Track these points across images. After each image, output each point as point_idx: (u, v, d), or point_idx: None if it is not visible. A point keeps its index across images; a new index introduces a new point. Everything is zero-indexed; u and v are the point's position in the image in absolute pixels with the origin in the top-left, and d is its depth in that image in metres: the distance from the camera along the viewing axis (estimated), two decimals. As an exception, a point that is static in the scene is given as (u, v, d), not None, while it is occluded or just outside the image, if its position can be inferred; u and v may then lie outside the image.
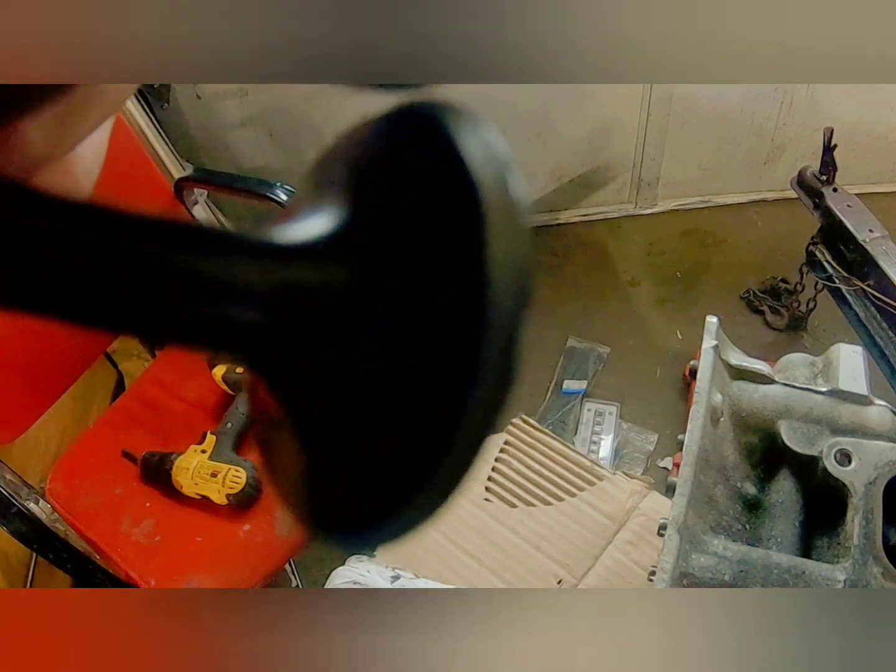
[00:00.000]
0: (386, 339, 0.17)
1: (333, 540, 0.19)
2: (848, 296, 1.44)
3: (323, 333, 0.17)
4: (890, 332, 1.33)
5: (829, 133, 1.43)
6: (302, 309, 0.17)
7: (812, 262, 1.59)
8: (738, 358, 0.95)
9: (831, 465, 0.81)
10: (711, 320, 0.94)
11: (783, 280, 1.93)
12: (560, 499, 1.22)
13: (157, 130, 1.51)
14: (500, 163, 0.17)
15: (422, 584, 1.05)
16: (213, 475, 1.10)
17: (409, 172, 0.18)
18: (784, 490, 0.89)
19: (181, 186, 1.37)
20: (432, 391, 0.17)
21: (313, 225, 0.18)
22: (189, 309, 0.16)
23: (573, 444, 1.48)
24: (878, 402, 0.89)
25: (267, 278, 0.17)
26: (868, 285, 1.37)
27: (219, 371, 1.21)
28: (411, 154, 0.18)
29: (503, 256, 0.16)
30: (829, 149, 1.45)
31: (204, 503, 1.12)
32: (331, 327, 0.17)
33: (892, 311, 1.30)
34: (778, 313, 1.90)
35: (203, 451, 1.14)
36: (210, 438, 1.16)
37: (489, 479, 1.25)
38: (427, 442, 0.17)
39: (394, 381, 0.17)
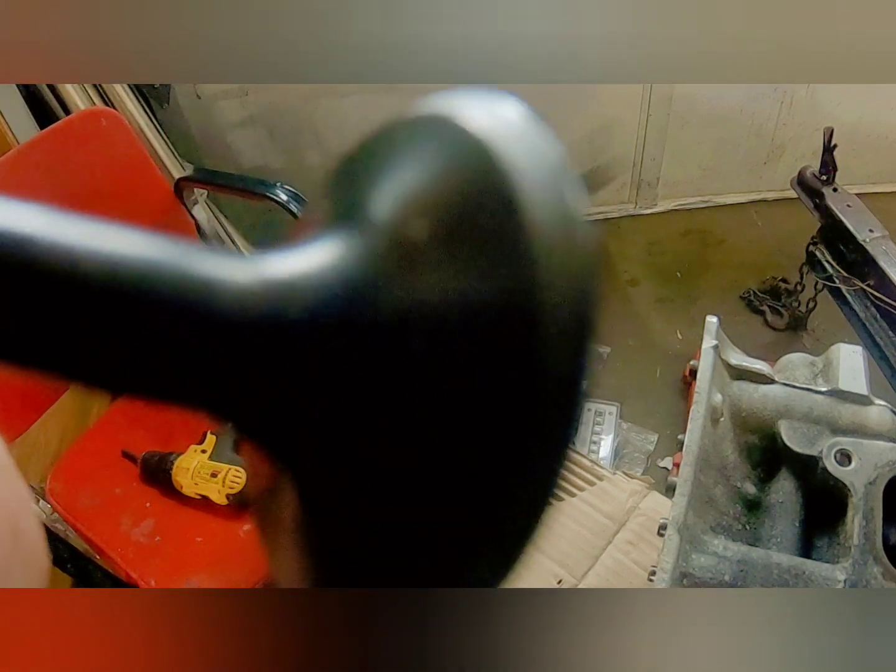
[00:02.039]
0: (416, 398, 0.15)
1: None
2: (848, 296, 1.44)
3: (328, 382, 0.15)
4: (890, 332, 1.33)
5: (829, 133, 1.43)
6: (281, 348, 0.14)
7: (812, 262, 1.59)
8: (738, 358, 0.95)
9: (831, 465, 0.81)
10: (711, 320, 0.94)
11: (783, 280, 1.93)
12: (560, 499, 1.22)
13: (157, 130, 1.51)
14: (562, 189, 0.15)
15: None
16: (214, 475, 1.10)
17: (457, 209, 0.15)
18: (784, 490, 0.89)
19: (181, 186, 1.36)
20: (476, 463, 0.14)
21: (318, 253, 0.16)
22: (164, 355, 0.14)
23: (573, 444, 1.48)
24: (878, 402, 0.89)
25: (236, 314, 0.14)
26: (868, 285, 1.37)
27: (219, 371, 1.21)
28: (461, 188, 0.16)
29: (563, 330, 0.14)
30: (829, 149, 1.45)
31: (204, 503, 1.12)
32: (339, 376, 0.15)
33: (892, 311, 1.30)
34: (778, 313, 1.90)
35: (203, 451, 1.14)
36: (210, 438, 1.16)
37: (489, 479, 1.25)
38: (472, 527, 0.14)
39: (424, 448, 0.15)
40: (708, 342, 0.92)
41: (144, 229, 0.15)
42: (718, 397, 0.89)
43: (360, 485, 0.15)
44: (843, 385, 0.90)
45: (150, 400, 0.15)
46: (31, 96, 1.41)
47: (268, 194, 1.27)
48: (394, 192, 0.17)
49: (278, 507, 0.18)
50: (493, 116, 0.16)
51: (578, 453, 1.29)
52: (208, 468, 1.11)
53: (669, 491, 0.83)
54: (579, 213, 0.15)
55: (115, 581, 1.12)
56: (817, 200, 1.52)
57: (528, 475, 0.14)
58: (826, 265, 1.51)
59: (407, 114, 0.18)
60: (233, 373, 0.15)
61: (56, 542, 1.10)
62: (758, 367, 0.94)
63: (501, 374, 0.14)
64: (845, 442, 0.83)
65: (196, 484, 1.11)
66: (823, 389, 0.90)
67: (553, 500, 0.15)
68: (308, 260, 0.16)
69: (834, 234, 1.48)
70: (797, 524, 0.86)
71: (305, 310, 0.15)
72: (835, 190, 1.49)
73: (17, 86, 1.37)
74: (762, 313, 1.93)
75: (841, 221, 1.43)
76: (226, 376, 0.15)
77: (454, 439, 0.14)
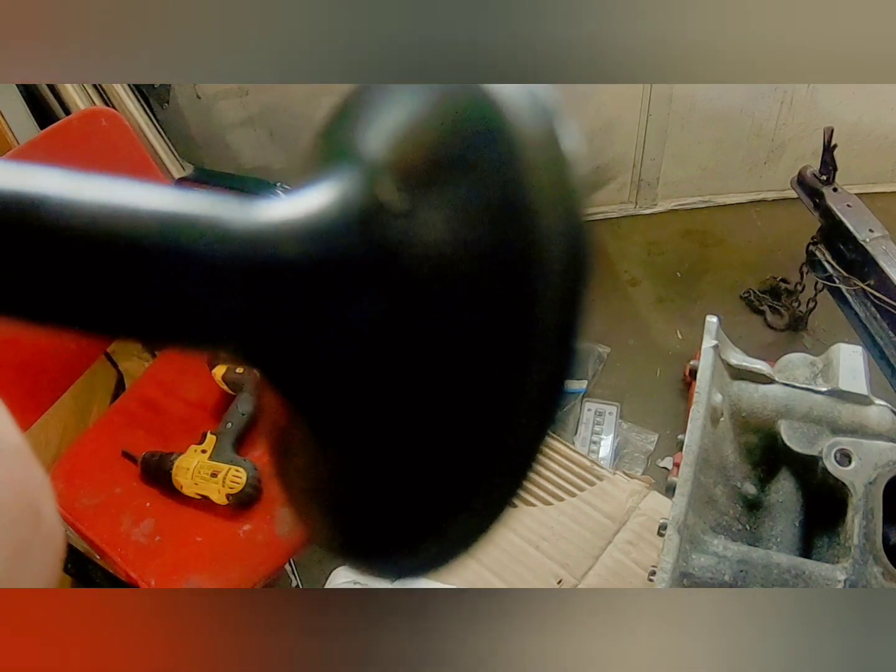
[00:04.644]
0: (418, 333, 0.15)
1: (355, 564, 0.17)
2: (848, 296, 1.44)
3: (334, 321, 0.15)
4: (890, 332, 1.33)
5: (829, 133, 1.43)
6: (300, 292, 0.15)
7: (812, 262, 1.59)
8: (738, 358, 0.95)
9: (831, 465, 0.81)
10: (711, 320, 0.94)
11: (783, 280, 1.93)
12: (560, 499, 1.22)
13: (157, 130, 1.51)
14: (550, 119, 0.15)
15: (422, 583, 1.05)
16: (214, 475, 1.10)
17: (453, 144, 0.16)
18: (784, 490, 0.89)
19: (181, 187, 1.36)
20: (476, 397, 0.14)
21: (327, 191, 0.16)
22: (174, 301, 0.15)
23: (573, 444, 1.48)
24: (878, 402, 0.89)
25: (243, 257, 0.15)
26: (868, 285, 1.37)
27: (219, 371, 1.21)
28: (456, 124, 0.16)
29: (559, 255, 0.14)
30: (829, 149, 1.45)
31: (204, 503, 1.12)
32: (344, 313, 0.15)
33: (892, 311, 1.30)
34: (778, 313, 1.90)
35: (203, 451, 1.14)
36: (210, 438, 1.15)
37: (489, 479, 1.25)
38: (473, 456, 0.15)
39: (426, 381, 0.15)
40: (708, 342, 0.92)
41: (140, 181, 0.15)
42: (718, 397, 0.89)
43: (363, 415, 0.16)
44: (843, 385, 0.90)
45: (163, 344, 0.16)
46: (31, 96, 1.41)
47: (268, 194, 1.27)
48: (387, 131, 0.17)
49: (292, 446, 0.18)
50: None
51: (578, 453, 1.29)
52: (208, 468, 1.11)
53: (669, 491, 0.83)
54: (572, 157, 0.15)
55: (115, 581, 1.12)
56: (817, 200, 1.52)
57: (526, 413, 0.14)
58: (826, 265, 1.51)
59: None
60: (240, 312, 0.15)
61: (56, 542, 1.09)
62: (758, 367, 0.94)
63: (499, 313, 0.14)
64: (845, 442, 0.83)
65: (196, 484, 1.11)
66: (823, 389, 0.90)
67: (548, 441, 0.15)
68: (307, 203, 0.16)
69: (834, 234, 1.48)
70: (797, 524, 0.86)
71: (304, 250, 0.15)
72: (835, 190, 1.49)
73: (17, 86, 1.37)
74: (762, 313, 1.93)
75: (841, 221, 1.43)
76: (235, 316, 0.15)
77: (452, 375, 0.15)
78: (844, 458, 0.82)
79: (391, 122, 0.17)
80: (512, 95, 0.15)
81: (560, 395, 0.14)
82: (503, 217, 0.14)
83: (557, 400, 0.14)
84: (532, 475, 0.15)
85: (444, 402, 0.15)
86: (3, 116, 1.34)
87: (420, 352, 0.15)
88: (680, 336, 1.91)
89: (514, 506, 0.15)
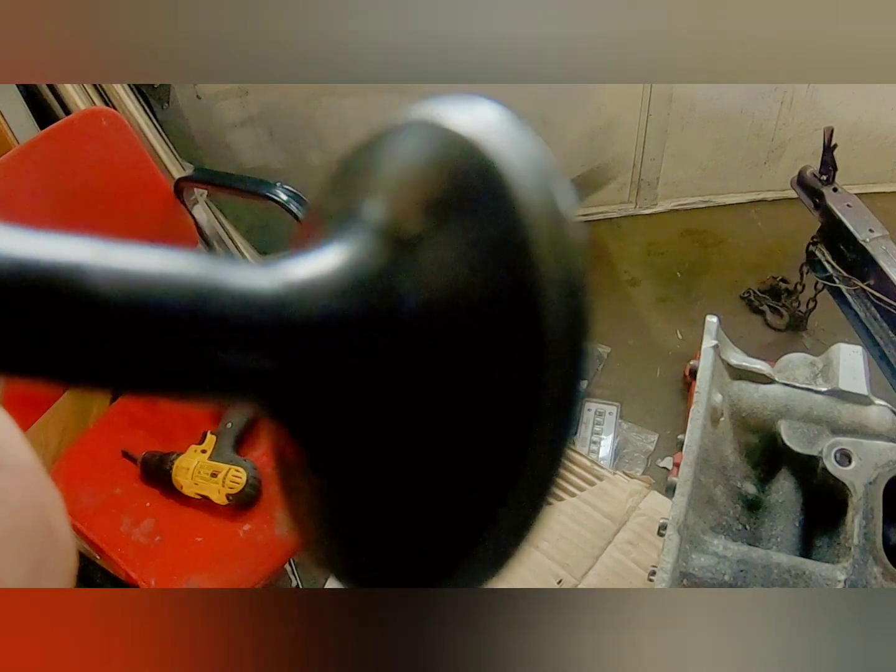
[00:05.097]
0: (425, 385, 0.16)
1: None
2: (848, 296, 1.44)
3: (346, 374, 0.16)
4: (890, 332, 1.33)
5: (829, 133, 1.43)
6: (315, 349, 0.16)
7: (812, 262, 1.59)
8: (738, 358, 0.95)
9: (831, 465, 0.81)
10: (711, 320, 0.94)
11: (783, 280, 1.93)
12: (560, 499, 1.22)
13: (157, 130, 1.51)
14: (548, 186, 0.16)
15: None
16: (214, 475, 1.10)
17: (447, 202, 0.16)
18: (784, 490, 0.89)
19: (181, 186, 1.36)
20: (484, 444, 0.15)
21: (331, 255, 0.17)
22: (194, 361, 0.16)
23: (573, 444, 1.48)
24: (878, 402, 0.89)
25: (275, 318, 0.16)
26: (868, 285, 1.37)
27: (219, 371, 1.21)
28: (449, 182, 0.17)
29: (559, 301, 0.14)
30: (829, 149, 1.45)
31: (204, 503, 1.12)
32: (354, 368, 0.16)
33: (892, 311, 1.30)
34: (778, 313, 1.90)
35: (203, 451, 1.14)
36: (210, 438, 1.16)
37: (489, 479, 1.25)
38: (483, 499, 0.15)
39: (434, 430, 0.16)
40: (708, 342, 0.92)
41: (162, 246, 0.16)
42: (718, 397, 0.89)
43: (381, 459, 0.17)
44: (843, 385, 0.90)
45: (190, 402, 0.17)
46: (31, 96, 1.41)
47: (268, 194, 1.27)
48: (387, 191, 0.18)
49: (302, 487, 0.19)
50: (474, 116, 0.17)
51: (578, 453, 1.29)
52: (208, 468, 1.11)
53: (669, 491, 0.83)
54: (565, 202, 0.16)
55: (115, 581, 1.12)
56: (817, 200, 1.52)
57: (531, 464, 0.15)
58: (826, 265, 1.51)
59: (394, 120, 0.19)
60: (260, 370, 0.16)
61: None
62: (758, 367, 0.94)
63: (504, 365, 0.15)
64: (845, 442, 0.83)
65: (196, 484, 1.11)
66: (823, 389, 0.90)
67: (553, 495, 0.16)
68: (319, 264, 0.17)
69: (834, 234, 1.48)
70: (797, 524, 0.86)
71: (326, 309, 0.16)
72: (835, 190, 1.49)
73: (17, 86, 1.37)
74: (762, 313, 1.93)
75: (841, 221, 1.43)
76: (254, 374, 0.16)
77: (460, 423, 0.15)
78: (844, 458, 0.82)
79: (389, 182, 0.18)
80: (509, 153, 0.16)
81: (565, 443, 0.15)
82: (503, 268, 0.15)
83: (563, 448, 0.15)
84: (541, 519, 0.16)
85: (457, 440, 0.16)
86: (3, 116, 1.34)
87: (433, 394, 0.16)
88: (680, 336, 1.91)
89: (527, 544, 0.16)
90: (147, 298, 0.15)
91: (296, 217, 1.24)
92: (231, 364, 0.16)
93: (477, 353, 0.15)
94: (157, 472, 1.15)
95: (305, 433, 0.18)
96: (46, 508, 0.17)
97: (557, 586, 1.12)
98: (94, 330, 0.15)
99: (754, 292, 1.95)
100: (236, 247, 1.68)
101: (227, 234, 1.66)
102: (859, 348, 0.96)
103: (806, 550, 0.85)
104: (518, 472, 0.15)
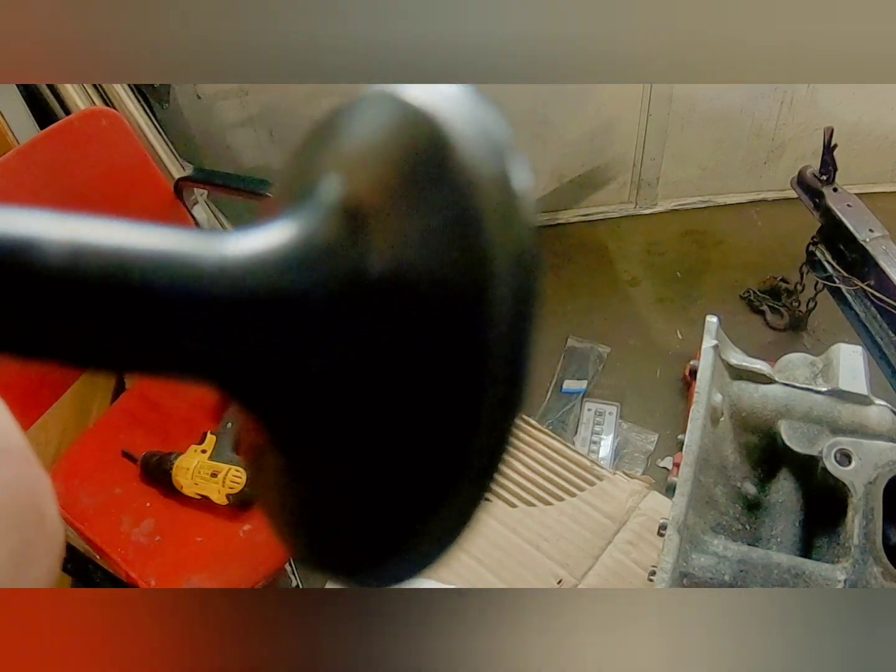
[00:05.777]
0: (374, 357, 0.16)
1: (339, 579, 0.18)
2: (848, 296, 1.44)
3: (294, 349, 0.16)
4: (890, 332, 1.33)
5: (829, 133, 1.43)
6: (260, 323, 0.16)
7: (812, 262, 1.59)
8: (738, 358, 0.95)
9: (831, 465, 0.81)
10: (711, 320, 0.94)
11: (783, 280, 1.93)
12: (560, 499, 1.22)
13: (157, 130, 1.51)
14: (502, 158, 0.16)
15: (422, 583, 1.05)
16: (214, 475, 1.10)
17: (400, 175, 0.17)
18: (784, 490, 0.89)
19: (181, 186, 1.36)
20: (435, 413, 0.15)
21: (282, 230, 0.17)
22: (147, 337, 0.16)
23: (573, 444, 1.48)
24: (878, 402, 0.89)
25: (213, 293, 0.16)
26: (868, 285, 1.37)
27: (219, 371, 1.21)
28: (402, 155, 0.17)
29: (506, 266, 0.15)
30: (829, 149, 1.45)
31: (204, 503, 1.12)
32: (301, 343, 0.16)
33: (892, 311, 1.30)
34: (778, 313, 1.90)
35: (203, 451, 1.14)
36: (210, 438, 1.15)
37: (489, 479, 1.25)
38: (435, 472, 0.15)
39: (386, 402, 0.16)
40: (708, 342, 0.92)
41: (109, 216, 0.16)
42: (718, 397, 0.89)
43: (332, 432, 0.17)
44: (843, 385, 0.90)
45: (139, 376, 0.17)
46: (31, 96, 1.41)
47: (268, 194, 1.27)
48: (342, 165, 0.18)
49: (267, 465, 0.20)
50: (431, 90, 0.17)
51: (578, 453, 1.29)
52: (208, 468, 1.11)
53: (669, 491, 0.83)
54: (517, 176, 0.16)
55: (115, 581, 1.12)
56: (817, 200, 1.52)
57: (480, 437, 0.15)
58: (826, 265, 1.51)
59: (354, 95, 0.19)
60: (211, 344, 0.16)
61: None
62: (758, 367, 0.94)
63: (454, 335, 0.15)
64: (845, 442, 0.83)
65: (196, 484, 1.11)
66: (823, 389, 0.90)
67: (501, 468, 0.16)
68: (267, 238, 0.17)
69: (834, 234, 1.48)
70: (797, 524, 0.86)
71: (268, 284, 0.16)
72: (835, 190, 1.49)
73: (17, 86, 1.37)
74: (762, 313, 1.93)
75: (841, 221, 1.43)
76: (206, 348, 0.16)
77: (413, 393, 0.16)
78: (844, 458, 0.82)
79: (344, 156, 0.18)
80: (464, 128, 0.16)
81: (515, 413, 0.15)
82: (454, 243, 0.15)
83: (513, 416, 0.15)
84: (494, 485, 0.16)
85: (407, 419, 0.16)
86: (3, 116, 1.34)
87: (382, 372, 0.16)
88: (680, 336, 1.91)
89: (480, 513, 0.16)
90: (88, 270, 0.15)
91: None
92: (172, 339, 0.16)
93: (427, 328, 0.15)
94: (157, 472, 1.15)
95: (255, 408, 0.18)
96: (35, 491, 0.17)
97: (557, 586, 1.12)
98: (40, 302, 0.15)
99: (754, 292, 1.95)
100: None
101: (227, 234, 1.66)
102: (859, 348, 0.96)
103: (806, 550, 0.85)
104: (468, 448, 0.15)
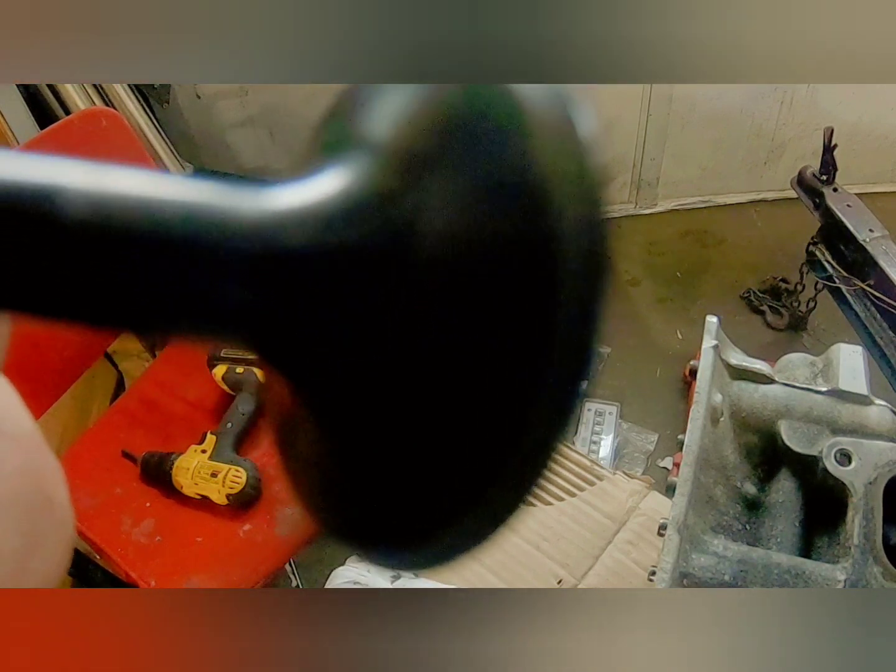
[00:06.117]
0: (425, 323, 0.14)
1: (367, 556, 0.17)
2: (848, 296, 1.44)
3: (341, 310, 0.14)
4: (890, 332, 1.33)
5: (829, 133, 1.43)
6: (308, 280, 0.14)
7: (812, 262, 1.59)
8: (738, 358, 0.95)
9: (831, 465, 0.81)
10: (711, 320, 0.94)
11: (783, 280, 1.93)
12: (560, 499, 1.22)
13: (157, 130, 1.51)
14: (564, 101, 0.14)
15: (422, 583, 1.05)
16: (214, 475, 1.10)
17: (458, 125, 0.15)
18: (784, 490, 0.89)
19: (181, 186, 1.36)
20: (486, 398, 0.14)
21: (330, 180, 0.15)
22: (180, 293, 0.14)
23: (573, 444, 1.48)
24: (878, 402, 0.89)
25: (260, 246, 0.14)
26: (868, 285, 1.37)
27: (219, 371, 1.21)
28: (459, 105, 0.15)
29: (576, 244, 0.13)
30: (829, 149, 1.45)
31: (204, 503, 1.12)
32: (350, 303, 0.14)
33: (892, 311, 1.30)
34: (778, 313, 1.90)
35: (203, 451, 1.14)
36: (210, 438, 1.15)
37: (489, 479, 1.25)
38: (483, 459, 0.14)
39: (434, 375, 0.14)
40: (708, 342, 0.92)
41: (144, 170, 0.15)
42: (718, 397, 0.89)
43: (374, 405, 0.15)
44: (843, 385, 0.90)
45: (170, 335, 0.16)
46: (31, 96, 1.41)
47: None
48: (391, 114, 0.16)
49: (298, 437, 0.18)
50: None
51: (578, 453, 1.29)
52: (208, 468, 1.11)
53: (669, 491, 0.83)
54: (589, 144, 0.14)
55: (115, 581, 1.12)
56: (817, 200, 1.52)
57: (543, 409, 0.14)
58: (826, 265, 1.51)
59: None
60: (248, 301, 0.15)
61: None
62: (758, 367, 0.94)
63: (514, 305, 0.14)
64: (845, 442, 0.83)
65: (196, 484, 1.11)
66: (823, 389, 0.90)
67: (565, 435, 0.14)
68: (312, 191, 0.15)
69: (834, 234, 1.48)
70: (797, 524, 0.86)
71: (311, 239, 0.15)
72: (835, 190, 1.49)
73: (17, 86, 1.37)
74: (762, 313, 1.93)
75: (841, 221, 1.43)
76: (243, 305, 0.15)
77: (465, 366, 0.14)
78: (844, 458, 0.82)
79: (396, 105, 0.16)
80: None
81: (577, 393, 0.14)
82: (517, 203, 0.14)
83: (574, 398, 0.14)
84: (548, 471, 0.15)
85: (458, 393, 0.14)
86: (3, 116, 1.34)
87: (432, 342, 0.14)
88: (680, 336, 1.91)
89: (530, 501, 0.15)
90: (121, 222, 0.14)
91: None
92: (207, 292, 0.14)
93: (486, 295, 0.14)
94: (157, 472, 1.15)
95: (293, 373, 0.16)
96: (45, 477, 0.17)
97: (557, 586, 1.12)
98: (65, 256, 0.14)
99: (754, 292, 1.95)
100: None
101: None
102: (859, 348, 0.96)
103: (806, 550, 0.85)
104: (525, 425, 0.14)
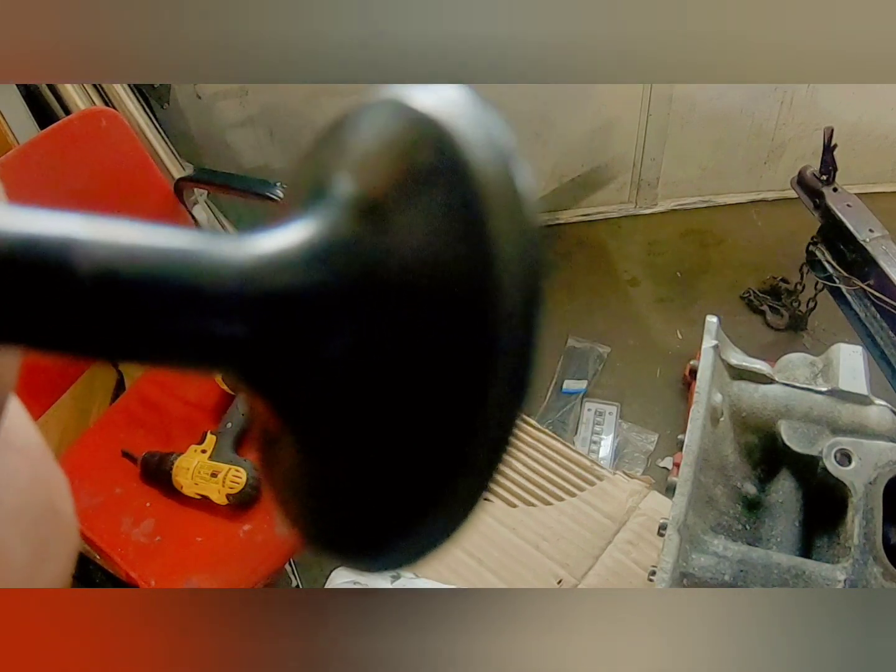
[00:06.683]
0: (390, 349, 0.17)
1: (346, 562, 0.19)
2: (848, 296, 1.44)
3: (317, 342, 0.17)
4: (890, 332, 1.33)
5: (829, 133, 1.43)
6: (290, 317, 0.17)
7: (812, 262, 1.59)
8: (738, 358, 0.95)
9: (831, 465, 0.81)
10: (711, 320, 0.94)
11: (783, 280, 1.93)
12: (560, 499, 1.22)
13: (157, 130, 1.51)
14: (506, 158, 0.17)
15: (422, 583, 1.05)
16: (214, 475, 1.10)
17: (410, 175, 0.18)
18: (784, 490, 0.89)
19: (181, 186, 1.36)
20: (444, 405, 0.16)
21: (302, 228, 0.18)
22: (169, 328, 0.16)
23: (573, 444, 1.48)
24: (878, 402, 0.89)
25: (249, 288, 0.17)
26: (868, 285, 1.37)
27: (219, 371, 1.21)
28: (412, 156, 0.18)
29: (512, 260, 0.16)
30: (829, 149, 1.45)
31: (204, 503, 1.12)
32: (325, 335, 0.17)
33: (892, 311, 1.30)
34: (778, 313, 1.90)
35: (203, 451, 1.14)
36: (210, 438, 1.16)
37: (489, 479, 1.25)
38: (443, 457, 0.16)
39: (399, 393, 0.17)
40: (708, 342, 0.92)
41: (132, 219, 0.17)
42: (718, 397, 0.89)
43: (344, 424, 0.18)
44: (843, 385, 0.90)
45: (169, 369, 0.18)
46: (31, 96, 1.41)
47: (268, 194, 1.27)
48: (352, 166, 0.19)
49: (278, 453, 0.20)
50: (435, 95, 0.18)
51: (578, 453, 1.29)
52: (208, 468, 1.11)
53: (669, 491, 0.83)
54: (521, 177, 0.17)
55: (115, 581, 1.12)
56: (817, 200, 1.52)
57: (488, 423, 0.16)
58: (826, 265, 1.51)
59: (362, 100, 0.20)
60: (235, 339, 0.17)
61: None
62: (758, 367, 0.94)
63: (460, 328, 0.16)
64: (845, 442, 0.83)
65: (196, 484, 1.11)
66: (823, 389, 0.90)
67: (503, 464, 0.17)
68: (288, 237, 0.18)
69: (834, 234, 1.48)
70: (797, 524, 0.86)
71: (294, 278, 0.17)
72: (835, 190, 1.49)
73: (17, 86, 1.37)
74: (762, 313, 1.93)
75: (841, 221, 1.43)
76: (237, 340, 0.17)
77: (420, 387, 0.17)
78: (844, 458, 0.82)
79: (355, 157, 0.19)
80: (469, 131, 0.17)
81: (520, 406, 0.16)
82: (463, 239, 0.16)
83: (517, 410, 0.16)
84: (497, 478, 0.17)
85: (415, 411, 0.17)
86: (3, 116, 1.34)
87: (392, 366, 0.17)
88: (680, 336, 1.91)
89: (483, 505, 0.17)
90: (118, 269, 0.16)
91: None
92: (200, 333, 0.16)
93: (437, 321, 0.16)
94: (157, 472, 1.15)
95: (276, 399, 0.19)
96: (53, 489, 0.18)
97: (557, 586, 1.12)
98: (66, 300, 0.15)
99: (754, 292, 1.95)
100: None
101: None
102: (859, 348, 0.96)
103: (806, 550, 0.85)
104: (472, 438, 0.16)
